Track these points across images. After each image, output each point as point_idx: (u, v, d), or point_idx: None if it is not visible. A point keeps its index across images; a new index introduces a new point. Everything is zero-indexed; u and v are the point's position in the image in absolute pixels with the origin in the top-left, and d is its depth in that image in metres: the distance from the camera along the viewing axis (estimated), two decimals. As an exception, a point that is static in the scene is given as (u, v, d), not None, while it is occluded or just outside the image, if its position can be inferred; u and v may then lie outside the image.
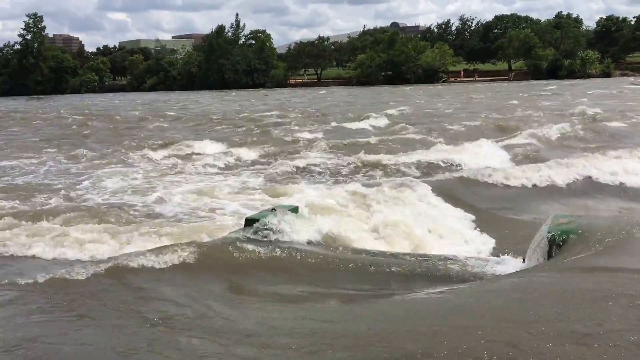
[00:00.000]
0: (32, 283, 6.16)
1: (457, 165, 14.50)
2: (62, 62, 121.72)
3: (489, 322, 4.25)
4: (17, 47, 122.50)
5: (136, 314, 5.30)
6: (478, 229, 9.20)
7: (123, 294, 5.84)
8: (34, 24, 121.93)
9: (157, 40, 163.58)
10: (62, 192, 12.75)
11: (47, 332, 4.92)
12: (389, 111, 33.09)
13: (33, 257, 8.20)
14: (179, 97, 68.31)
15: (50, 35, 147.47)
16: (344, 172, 14.30)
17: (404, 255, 7.27)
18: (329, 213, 9.00)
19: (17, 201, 11.82)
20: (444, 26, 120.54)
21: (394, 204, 9.64)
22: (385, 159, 15.20)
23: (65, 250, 8.31)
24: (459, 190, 11.23)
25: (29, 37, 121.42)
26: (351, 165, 14.76)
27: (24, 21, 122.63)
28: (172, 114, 39.36)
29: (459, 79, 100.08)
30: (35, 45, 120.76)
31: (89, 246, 8.37)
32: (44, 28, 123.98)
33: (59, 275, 6.26)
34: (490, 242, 8.60)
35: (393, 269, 6.63)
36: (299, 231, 7.81)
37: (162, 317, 5.14)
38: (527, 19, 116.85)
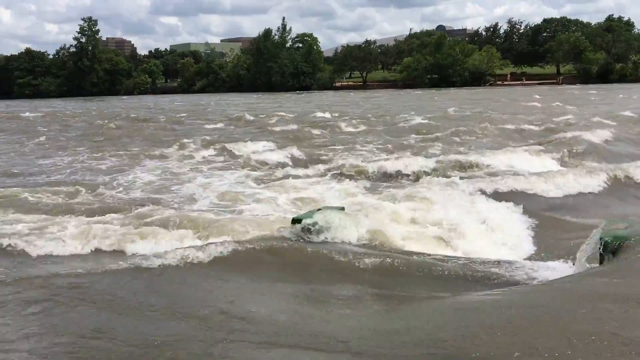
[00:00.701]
0: (86, 275, 6.46)
1: (506, 168, 14.30)
2: (116, 64, 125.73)
3: (542, 327, 4.23)
4: (73, 49, 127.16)
5: (195, 309, 5.44)
6: (527, 233, 8.98)
7: (182, 288, 6.03)
8: (89, 27, 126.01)
9: (207, 44, 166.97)
10: (135, 190, 12.88)
11: (112, 326, 5.07)
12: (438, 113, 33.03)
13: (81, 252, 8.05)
14: (245, 101, 67.66)
15: (104, 39, 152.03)
16: (393, 173, 14.23)
17: (453, 258, 7.19)
18: (377, 213, 8.98)
19: (62, 196, 12.13)
20: (491, 29, 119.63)
21: (443, 206, 9.56)
22: (442, 160, 15.26)
23: (114, 244, 8.18)
24: (509, 194, 10.99)
25: (83, 40, 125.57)
26: (402, 166, 14.66)
27: (79, 24, 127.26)
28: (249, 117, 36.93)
29: (505, 82, 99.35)
30: (90, 48, 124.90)
31: (142, 241, 8.27)
32: (98, 31, 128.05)
33: (119, 267, 6.62)
34: (539, 246, 8.36)
35: (442, 271, 6.58)
36: (346, 231, 7.83)
37: (221, 314, 5.33)
38: (577, 22, 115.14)
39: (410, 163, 14.83)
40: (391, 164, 14.82)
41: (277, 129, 26.17)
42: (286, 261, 6.92)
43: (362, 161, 15.33)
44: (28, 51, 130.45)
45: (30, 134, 28.26)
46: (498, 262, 6.96)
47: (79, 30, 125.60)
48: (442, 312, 5.23)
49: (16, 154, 20.55)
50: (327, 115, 34.57)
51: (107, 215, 9.76)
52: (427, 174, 13.81)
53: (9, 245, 7.82)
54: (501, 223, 9.21)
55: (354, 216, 8.40)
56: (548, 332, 4.09)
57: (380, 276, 6.51)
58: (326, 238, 7.65)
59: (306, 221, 7.80)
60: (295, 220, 7.94)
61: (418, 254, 7.33)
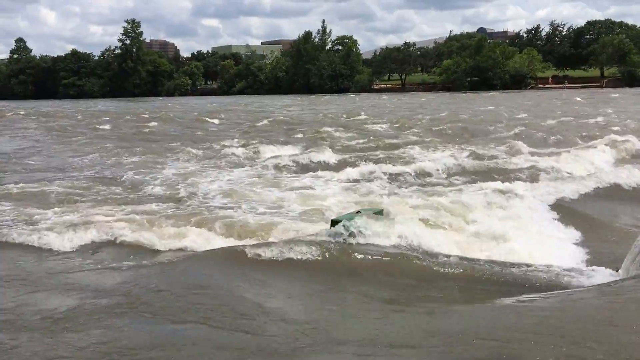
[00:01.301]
0: (140, 267, 6.88)
1: (557, 171, 14.13)
2: (158, 66, 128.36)
3: (591, 333, 4.24)
4: (117, 51, 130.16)
5: (233, 309, 5.62)
6: (573, 237, 8.78)
7: (223, 286, 6.28)
8: (132, 29, 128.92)
9: (247, 46, 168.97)
10: (185, 190, 13.02)
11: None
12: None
13: (134, 244, 8.39)
14: (290, 102, 67.76)
15: (148, 41, 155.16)
16: (439, 177, 14.11)
17: (495, 263, 7.09)
18: (414, 216, 8.95)
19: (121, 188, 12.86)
20: (533, 32, 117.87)
21: (486, 209, 9.50)
22: (487, 163, 15.10)
23: (165, 241, 8.42)
24: (556, 198, 10.90)
25: (127, 42, 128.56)
26: (450, 170, 14.61)
27: (122, 27, 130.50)
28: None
29: (547, 85, 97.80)
30: (134, 49, 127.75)
31: (185, 239, 8.49)
32: (141, 33, 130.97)
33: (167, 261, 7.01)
34: (584, 252, 8.15)
35: (484, 275, 6.54)
36: (384, 234, 7.85)
37: (261, 313, 5.50)
38: (621, 24, 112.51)
39: (456, 166, 14.72)
40: (431, 165, 14.80)
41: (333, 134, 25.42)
42: (325, 262, 6.95)
43: (406, 164, 15.31)
44: (74, 52, 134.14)
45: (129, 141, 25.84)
46: (540, 267, 6.83)
47: (122, 32, 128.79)
48: (488, 315, 5.27)
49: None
50: (383, 125, 30.87)
51: (153, 211, 10.20)
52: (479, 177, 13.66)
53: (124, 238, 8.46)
54: (545, 227, 9.01)
55: (393, 219, 8.42)
56: (598, 339, 4.10)
57: (419, 279, 6.52)
58: (365, 240, 7.68)
59: (345, 223, 7.85)
60: (334, 222, 8.02)
61: (457, 257, 7.26)
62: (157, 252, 7.99)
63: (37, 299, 6.20)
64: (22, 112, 54.42)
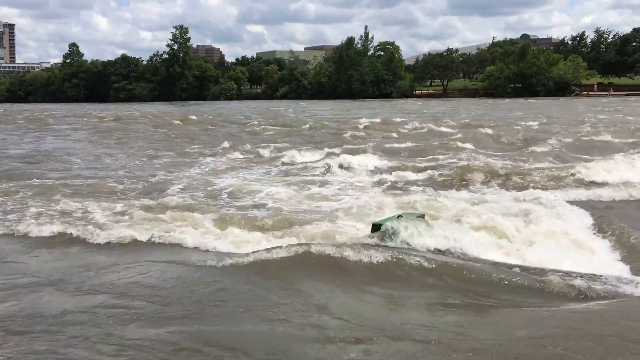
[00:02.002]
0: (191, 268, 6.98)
1: (594, 178, 13.95)
2: (205, 71, 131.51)
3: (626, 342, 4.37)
4: (165, 56, 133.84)
5: (274, 309, 5.74)
6: (614, 247, 8.40)
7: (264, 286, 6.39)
8: (180, 35, 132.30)
9: (291, 52, 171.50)
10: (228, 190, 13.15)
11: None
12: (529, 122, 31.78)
13: (177, 245, 8.44)
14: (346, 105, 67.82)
15: (194, 46, 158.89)
16: (481, 181, 13.97)
17: (536, 269, 7.01)
18: (459, 221, 8.91)
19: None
20: (578, 38, 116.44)
21: (525, 215, 9.38)
22: (528, 169, 15.01)
23: (208, 242, 8.51)
24: (597, 205, 10.86)
25: (175, 47, 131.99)
26: (493, 176, 14.39)
27: (171, 32, 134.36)
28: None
29: (591, 93, 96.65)
30: (181, 54, 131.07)
31: (232, 239, 8.59)
32: (189, 39, 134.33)
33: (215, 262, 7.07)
34: (626, 259, 7.86)
35: (522, 281, 6.49)
36: (425, 238, 7.84)
37: (300, 315, 5.59)
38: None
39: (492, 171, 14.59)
40: (477, 171, 14.64)
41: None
42: (366, 265, 6.96)
43: (450, 168, 15.24)
44: (124, 57, 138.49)
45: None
46: (580, 275, 6.73)
47: (171, 37, 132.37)
48: (533, 321, 5.36)
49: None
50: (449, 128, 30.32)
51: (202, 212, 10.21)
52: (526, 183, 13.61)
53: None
54: (585, 234, 8.83)
55: (434, 223, 8.47)
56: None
57: (462, 283, 6.52)
58: (405, 244, 7.73)
59: (386, 227, 7.90)
60: (376, 226, 8.07)
61: (497, 263, 7.23)
62: (223, 252, 8.02)
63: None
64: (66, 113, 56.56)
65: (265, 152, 20.53)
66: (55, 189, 12.69)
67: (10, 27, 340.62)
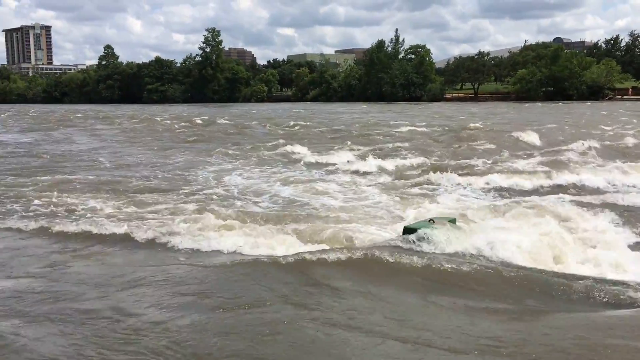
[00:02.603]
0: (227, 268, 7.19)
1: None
2: (236, 73, 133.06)
3: None
4: (198, 59, 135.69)
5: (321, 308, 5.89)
6: None
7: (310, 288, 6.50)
8: (213, 38, 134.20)
9: (322, 54, 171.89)
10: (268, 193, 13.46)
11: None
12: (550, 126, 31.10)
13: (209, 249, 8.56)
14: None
15: (226, 49, 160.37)
16: (516, 188, 13.76)
17: (571, 276, 6.90)
18: (491, 226, 8.84)
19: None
20: (612, 42, 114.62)
21: (562, 221, 9.25)
22: (568, 176, 14.61)
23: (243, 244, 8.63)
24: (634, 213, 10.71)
25: (207, 50, 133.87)
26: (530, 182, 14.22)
27: (203, 35, 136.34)
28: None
29: (625, 97, 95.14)
30: (214, 57, 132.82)
31: (267, 241, 8.70)
32: (221, 42, 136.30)
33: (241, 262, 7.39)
34: None
35: (562, 287, 6.43)
36: (457, 243, 7.80)
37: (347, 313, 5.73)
38: None
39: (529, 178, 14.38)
40: (503, 178, 14.49)
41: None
42: (399, 269, 6.99)
43: (481, 174, 15.12)
44: (157, 59, 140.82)
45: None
46: (619, 283, 6.63)
47: (203, 40, 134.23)
48: (573, 328, 5.37)
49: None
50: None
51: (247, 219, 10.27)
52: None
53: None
54: (617, 241, 8.71)
55: (465, 228, 8.43)
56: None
57: (495, 289, 6.49)
58: (437, 248, 7.71)
59: (418, 230, 7.90)
60: (407, 229, 8.06)
61: (533, 270, 7.13)
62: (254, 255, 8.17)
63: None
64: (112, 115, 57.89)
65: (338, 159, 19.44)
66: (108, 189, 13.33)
67: (47, 29, 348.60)
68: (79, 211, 11.22)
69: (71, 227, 9.76)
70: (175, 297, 6.27)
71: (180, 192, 13.42)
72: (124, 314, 5.83)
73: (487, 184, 14.14)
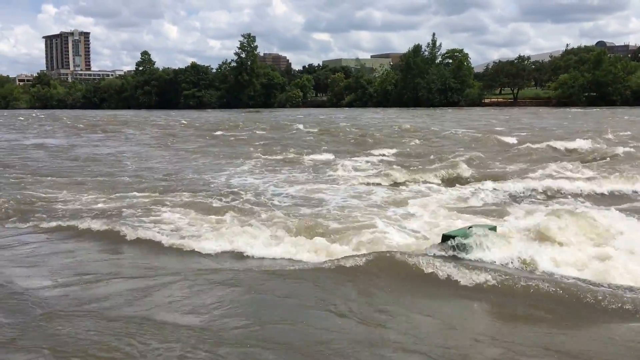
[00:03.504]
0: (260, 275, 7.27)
1: None
2: (272, 79, 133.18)
3: None
4: (233, 64, 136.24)
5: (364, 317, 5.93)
6: None
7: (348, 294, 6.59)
8: (248, 43, 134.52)
9: (357, 59, 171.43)
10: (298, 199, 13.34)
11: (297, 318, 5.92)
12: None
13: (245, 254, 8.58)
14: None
15: (262, 54, 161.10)
16: (562, 195, 13.26)
17: (621, 287, 6.62)
18: (533, 236, 8.49)
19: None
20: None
21: (611, 231, 8.83)
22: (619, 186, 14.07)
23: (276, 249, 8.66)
24: None
25: (243, 55, 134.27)
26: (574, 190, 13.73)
27: (239, 40, 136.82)
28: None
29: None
30: (249, 63, 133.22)
31: (299, 247, 8.63)
32: (256, 47, 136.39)
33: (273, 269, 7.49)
34: None
35: (608, 298, 6.20)
36: (497, 251, 7.61)
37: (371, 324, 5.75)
38: None
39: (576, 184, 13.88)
40: (552, 183, 14.05)
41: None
42: (437, 277, 6.91)
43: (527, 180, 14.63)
44: (194, 65, 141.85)
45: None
46: None
47: (239, 46, 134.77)
48: (627, 339, 5.33)
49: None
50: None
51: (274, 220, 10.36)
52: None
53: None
54: None
55: (506, 236, 8.19)
56: None
57: (540, 298, 6.33)
58: (476, 256, 7.55)
59: (457, 238, 7.73)
60: (446, 237, 7.89)
61: (578, 279, 6.88)
62: (297, 261, 8.12)
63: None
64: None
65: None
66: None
67: (86, 35, 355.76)
68: (126, 214, 11.24)
69: (130, 233, 9.66)
70: (226, 305, 6.33)
71: (223, 196, 13.39)
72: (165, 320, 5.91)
73: (533, 190, 13.71)
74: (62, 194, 13.68)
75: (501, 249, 7.69)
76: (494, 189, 14.02)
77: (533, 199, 12.99)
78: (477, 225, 8.48)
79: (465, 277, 6.78)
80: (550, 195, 13.32)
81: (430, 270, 6.98)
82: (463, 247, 7.65)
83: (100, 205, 12.26)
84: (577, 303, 6.20)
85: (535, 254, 7.59)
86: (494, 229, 8.35)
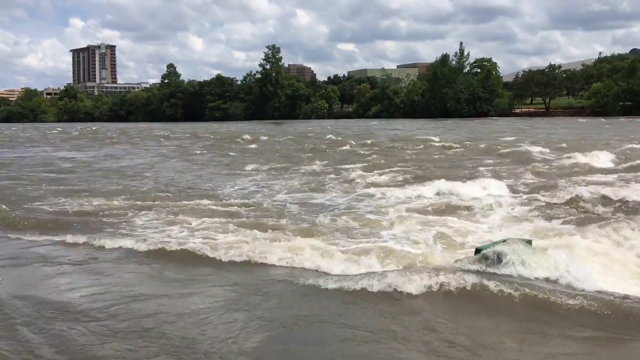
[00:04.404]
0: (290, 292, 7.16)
1: None
2: (297, 90, 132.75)
3: None
4: (258, 76, 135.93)
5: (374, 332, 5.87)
6: None
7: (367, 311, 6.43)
8: (273, 55, 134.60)
9: (383, 70, 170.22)
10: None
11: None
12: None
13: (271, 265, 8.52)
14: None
15: (286, 65, 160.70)
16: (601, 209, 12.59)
17: None
18: (569, 249, 8.17)
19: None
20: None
21: None
22: None
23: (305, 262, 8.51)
24: None
25: (268, 67, 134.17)
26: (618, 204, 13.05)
27: (264, 52, 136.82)
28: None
29: None
30: (274, 74, 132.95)
31: (323, 261, 8.45)
32: (280, 59, 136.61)
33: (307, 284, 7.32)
34: None
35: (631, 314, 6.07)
36: (533, 266, 7.35)
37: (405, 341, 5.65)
38: None
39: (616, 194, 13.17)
40: (594, 196, 13.16)
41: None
42: (472, 292, 6.72)
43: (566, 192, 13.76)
44: (219, 77, 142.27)
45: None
46: None
47: (263, 57, 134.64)
48: None
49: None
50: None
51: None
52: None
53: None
54: None
55: (542, 250, 7.79)
56: None
57: (582, 315, 6.12)
58: (511, 271, 7.29)
59: (491, 251, 7.50)
60: (479, 250, 7.67)
61: (620, 295, 6.65)
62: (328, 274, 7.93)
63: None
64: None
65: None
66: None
67: (112, 48, 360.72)
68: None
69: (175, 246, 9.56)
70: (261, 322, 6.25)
71: (266, 210, 13.06)
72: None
73: (570, 202, 12.93)
74: (114, 203, 13.78)
75: (539, 262, 7.38)
76: (536, 200, 13.27)
77: (575, 211, 12.27)
78: (512, 238, 8.15)
79: (501, 293, 6.58)
80: (594, 207, 12.49)
81: (464, 286, 6.80)
82: (498, 262, 7.37)
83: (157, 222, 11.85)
84: (623, 319, 5.99)
85: (574, 268, 7.27)
86: (529, 242, 8.01)
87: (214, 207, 13.01)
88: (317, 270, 8.07)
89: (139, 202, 13.87)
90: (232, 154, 31.55)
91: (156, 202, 13.82)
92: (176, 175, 21.06)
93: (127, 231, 10.84)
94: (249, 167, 22.94)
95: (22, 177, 20.83)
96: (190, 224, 11.23)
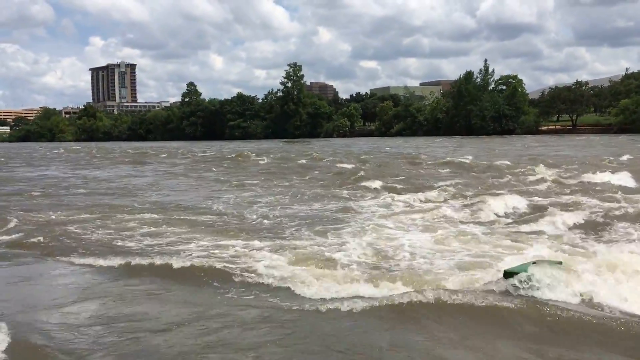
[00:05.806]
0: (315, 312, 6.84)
1: None
2: (319, 108, 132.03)
3: None
4: (279, 94, 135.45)
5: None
6: None
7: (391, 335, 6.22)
8: (294, 72, 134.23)
9: (406, 87, 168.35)
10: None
11: None
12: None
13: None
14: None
15: (308, 83, 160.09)
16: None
17: None
18: (601, 270, 7.89)
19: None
20: None
21: None
22: None
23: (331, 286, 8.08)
24: None
25: (289, 84, 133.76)
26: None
27: (285, 70, 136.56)
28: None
29: None
30: (295, 92, 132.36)
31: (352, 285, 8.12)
32: (302, 76, 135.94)
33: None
34: None
35: None
36: (566, 288, 7.14)
37: None
38: None
39: None
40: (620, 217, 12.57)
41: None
42: (501, 316, 6.55)
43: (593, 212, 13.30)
44: (239, 95, 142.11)
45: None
46: None
47: (285, 75, 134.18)
48: None
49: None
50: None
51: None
52: None
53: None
54: None
55: (574, 272, 7.51)
56: None
57: (617, 340, 5.92)
58: (541, 294, 7.06)
59: (520, 275, 7.27)
60: (508, 273, 7.44)
61: None
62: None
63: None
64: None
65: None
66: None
67: (132, 67, 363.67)
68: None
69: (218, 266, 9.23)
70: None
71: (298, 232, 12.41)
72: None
73: (601, 224, 12.26)
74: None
75: (570, 285, 7.19)
76: (565, 221, 12.67)
77: (606, 231, 11.73)
78: (541, 260, 7.96)
79: (531, 316, 6.47)
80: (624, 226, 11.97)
81: (491, 308, 6.66)
82: (527, 284, 7.16)
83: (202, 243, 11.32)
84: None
85: (605, 290, 7.14)
86: (560, 264, 7.73)
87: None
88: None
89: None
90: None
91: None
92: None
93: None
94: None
95: None
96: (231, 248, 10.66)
